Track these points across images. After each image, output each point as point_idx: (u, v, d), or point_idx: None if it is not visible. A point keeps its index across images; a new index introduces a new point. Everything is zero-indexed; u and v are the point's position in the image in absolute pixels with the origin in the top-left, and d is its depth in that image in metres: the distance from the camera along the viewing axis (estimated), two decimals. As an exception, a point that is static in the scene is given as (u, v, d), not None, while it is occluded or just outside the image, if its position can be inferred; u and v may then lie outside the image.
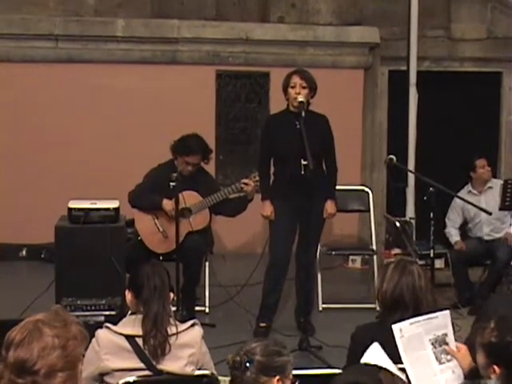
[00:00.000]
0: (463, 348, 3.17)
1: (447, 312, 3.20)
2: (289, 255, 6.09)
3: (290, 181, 5.86)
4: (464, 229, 7.39)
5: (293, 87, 5.98)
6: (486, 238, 7.21)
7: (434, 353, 3.10)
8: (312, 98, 6.05)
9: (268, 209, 6.11)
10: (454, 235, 7.26)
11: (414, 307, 3.53)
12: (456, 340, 3.26)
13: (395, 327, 3.09)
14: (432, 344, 3.12)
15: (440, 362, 3.11)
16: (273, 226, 6.18)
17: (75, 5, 8.46)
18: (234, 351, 2.76)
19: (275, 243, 6.14)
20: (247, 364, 2.65)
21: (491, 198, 7.18)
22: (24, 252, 8.17)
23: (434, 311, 3.26)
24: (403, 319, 3.46)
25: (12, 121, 8.23)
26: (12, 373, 2.34)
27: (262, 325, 6.16)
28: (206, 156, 6.55)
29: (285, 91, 6.08)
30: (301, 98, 5.84)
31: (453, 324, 3.69)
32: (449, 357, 3.12)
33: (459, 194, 6.98)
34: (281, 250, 6.07)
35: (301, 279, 6.14)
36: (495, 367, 2.74)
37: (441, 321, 3.16)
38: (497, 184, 7.26)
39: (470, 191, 7.27)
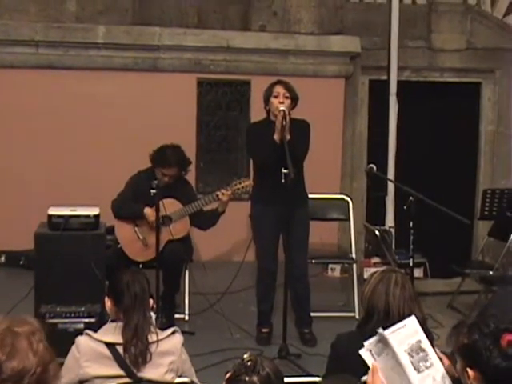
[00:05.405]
0: (446, 360, 3.15)
1: (413, 318, 3.18)
2: (276, 260, 6.11)
3: (271, 189, 5.87)
4: None
5: (276, 96, 6.00)
6: None
7: (412, 362, 3.07)
8: (293, 109, 6.07)
9: None
10: None
11: (384, 314, 3.58)
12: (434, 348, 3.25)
13: (365, 345, 3.08)
14: (409, 354, 3.09)
15: (419, 371, 3.08)
16: (257, 233, 6.20)
17: (56, 11, 8.41)
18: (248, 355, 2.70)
19: (262, 250, 6.17)
20: (259, 370, 2.60)
21: None
22: (3, 259, 8.09)
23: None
24: (377, 326, 3.48)
25: (-9, 126, 8.18)
26: None
27: (264, 330, 6.22)
28: (184, 168, 6.56)
29: (266, 101, 6.10)
30: (282, 107, 5.84)
31: (432, 333, 3.71)
32: (428, 364, 3.09)
33: None
34: (269, 256, 6.11)
35: (296, 291, 6.13)
36: (468, 370, 2.72)
37: (410, 329, 3.14)
38: None
39: None
